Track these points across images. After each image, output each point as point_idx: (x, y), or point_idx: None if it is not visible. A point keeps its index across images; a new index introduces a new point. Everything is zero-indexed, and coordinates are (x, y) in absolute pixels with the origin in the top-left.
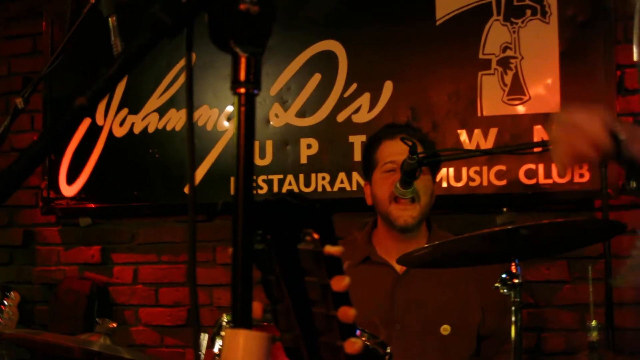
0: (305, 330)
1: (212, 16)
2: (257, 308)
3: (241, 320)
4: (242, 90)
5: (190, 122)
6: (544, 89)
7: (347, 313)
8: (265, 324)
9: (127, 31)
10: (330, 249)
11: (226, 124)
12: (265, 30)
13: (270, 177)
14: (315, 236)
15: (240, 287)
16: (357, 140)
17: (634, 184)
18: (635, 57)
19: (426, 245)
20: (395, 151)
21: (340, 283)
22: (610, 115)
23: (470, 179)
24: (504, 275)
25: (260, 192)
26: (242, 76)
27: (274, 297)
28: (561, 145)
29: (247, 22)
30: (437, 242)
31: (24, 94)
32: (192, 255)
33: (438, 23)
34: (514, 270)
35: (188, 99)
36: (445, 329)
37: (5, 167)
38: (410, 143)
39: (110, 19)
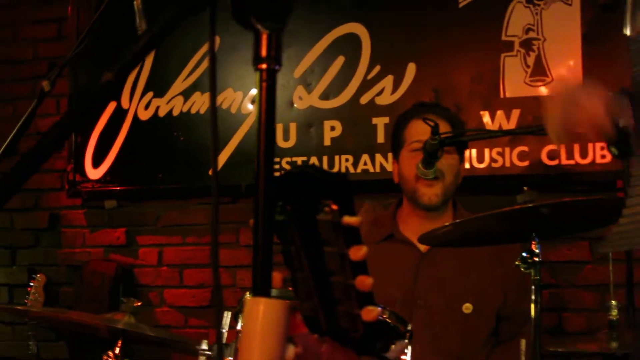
0: (324, 299)
1: None
2: (277, 278)
3: (261, 289)
4: (264, 66)
5: (213, 104)
6: (566, 71)
7: (364, 282)
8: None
9: (152, 14)
10: (348, 220)
11: (250, 106)
12: (286, 7)
13: (294, 159)
14: (334, 207)
15: (260, 257)
16: (381, 122)
17: (615, 151)
18: (628, 32)
19: (447, 224)
20: (422, 130)
21: (357, 252)
22: (608, 96)
23: (492, 160)
24: (524, 254)
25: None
26: (264, 52)
27: (293, 266)
28: (561, 123)
29: None
30: (458, 221)
31: (50, 77)
32: (215, 236)
33: (461, 5)
34: (534, 249)
35: (211, 81)
36: (467, 308)
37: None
38: (432, 124)
39: (135, 2)
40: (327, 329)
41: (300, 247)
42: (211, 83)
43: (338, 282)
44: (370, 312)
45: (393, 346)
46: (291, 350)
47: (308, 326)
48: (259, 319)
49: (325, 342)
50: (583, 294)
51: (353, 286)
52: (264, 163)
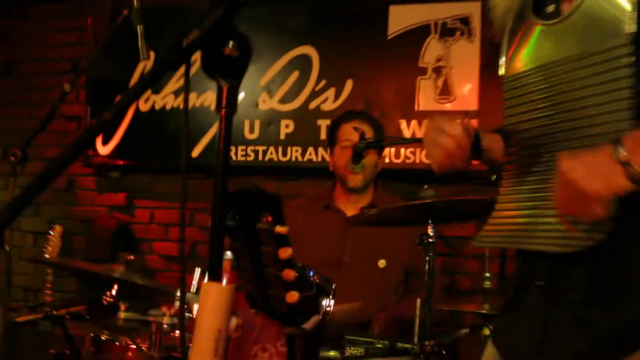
0: (260, 284)
1: (204, 55)
2: (227, 266)
3: (214, 275)
4: (223, 112)
5: (186, 123)
6: (466, 92)
7: (289, 274)
8: None
9: (151, 35)
10: (279, 229)
11: None
12: (242, 68)
13: (257, 148)
14: (269, 219)
15: (214, 251)
16: (324, 124)
17: (494, 177)
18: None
19: (366, 211)
20: (351, 132)
21: (285, 253)
22: (470, 124)
23: (406, 157)
24: (422, 236)
25: (248, 159)
26: (224, 101)
27: (239, 258)
28: (435, 148)
29: (229, 62)
30: (375, 210)
31: (71, 80)
32: (183, 209)
33: (389, 37)
34: (429, 232)
35: (185, 114)
36: (382, 263)
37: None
38: (360, 131)
39: (138, 27)
40: (262, 306)
41: (245, 244)
42: (184, 129)
43: (270, 273)
44: (292, 296)
45: (310, 320)
46: (234, 321)
47: (249, 303)
48: (211, 298)
49: (259, 316)
50: (470, 262)
51: (280, 276)
52: (221, 180)
